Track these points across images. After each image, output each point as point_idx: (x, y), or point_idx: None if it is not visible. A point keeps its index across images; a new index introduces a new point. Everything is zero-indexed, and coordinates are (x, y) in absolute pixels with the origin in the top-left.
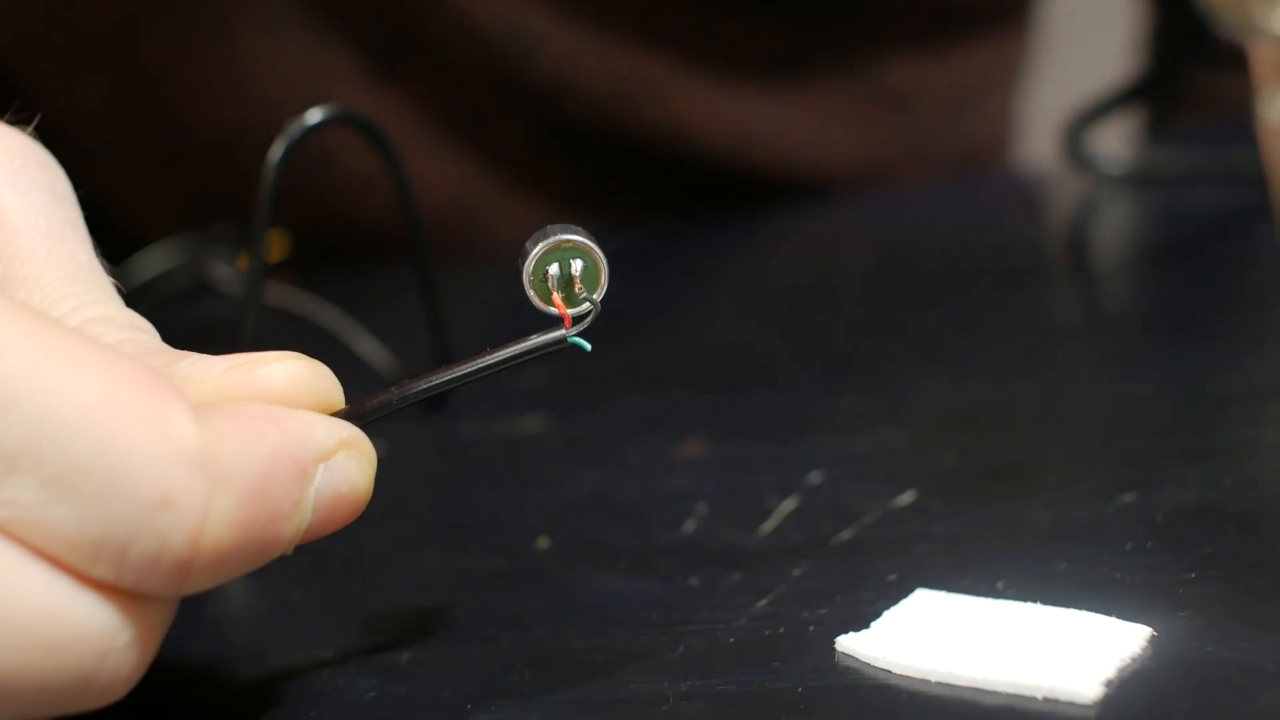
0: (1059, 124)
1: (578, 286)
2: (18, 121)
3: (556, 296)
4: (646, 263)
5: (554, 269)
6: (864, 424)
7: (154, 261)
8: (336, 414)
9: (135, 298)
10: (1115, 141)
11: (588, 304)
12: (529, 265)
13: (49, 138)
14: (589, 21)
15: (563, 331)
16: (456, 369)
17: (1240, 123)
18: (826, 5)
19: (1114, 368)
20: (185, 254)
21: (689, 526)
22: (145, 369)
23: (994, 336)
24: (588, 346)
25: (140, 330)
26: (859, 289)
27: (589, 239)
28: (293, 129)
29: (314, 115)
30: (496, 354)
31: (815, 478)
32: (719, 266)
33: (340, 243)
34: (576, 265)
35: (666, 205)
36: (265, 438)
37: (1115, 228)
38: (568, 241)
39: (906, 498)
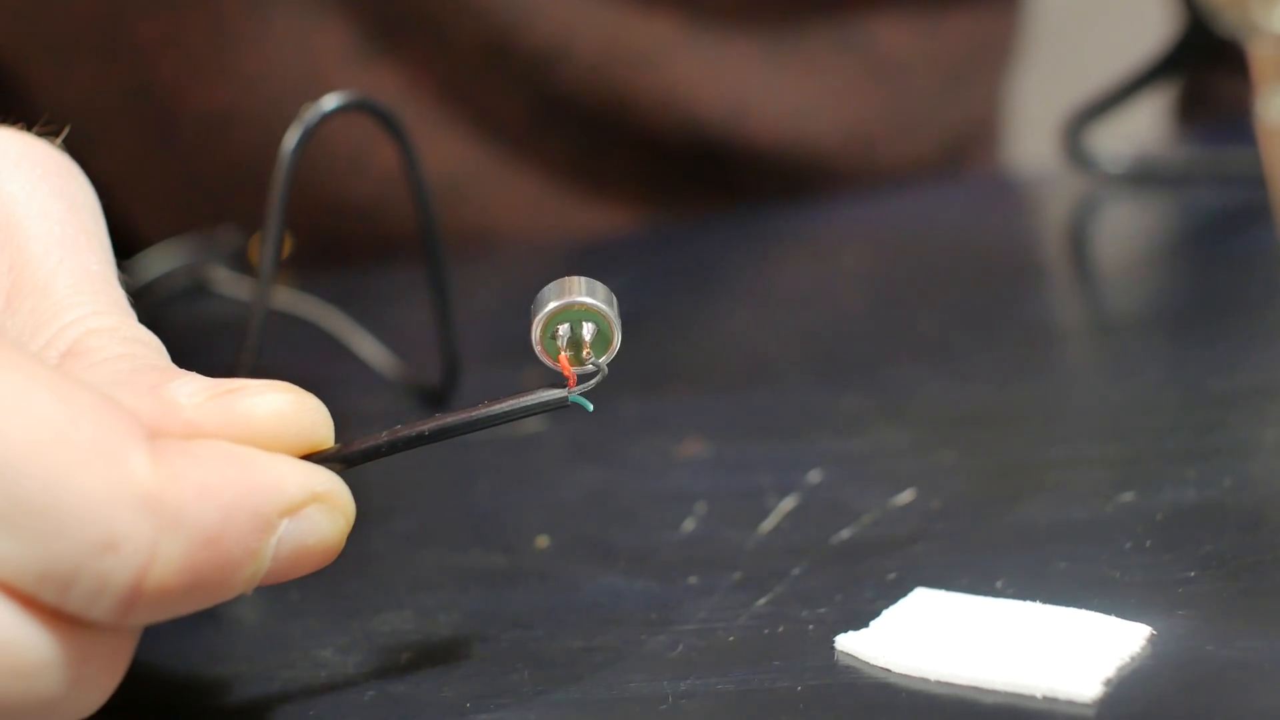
0: (1058, 122)
1: (586, 350)
2: (18, 121)
3: (564, 355)
4: (646, 262)
5: (564, 329)
6: (864, 424)
7: (155, 263)
8: (320, 454)
9: (136, 299)
10: (1116, 140)
11: (593, 366)
12: (538, 321)
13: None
14: None
15: (564, 391)
16: (451, 417)
17: (1240, 123)
18: None
19: (1114, 368)
20: (186, 255)
21: (689, 526)
22: (108, 404)
23: (994, 336)
24: (589, 406)
25: (143, 345)
26: (859, 289)
27: (606, 305)
28: (308, 116)
29: (330, 101)
30: (495, 406)
31: (815, 477)
32: (719, 266)
33: (330, 226)
34: (588, 329)
35: (661, 176)
36: (226, 485)
37: (1115, 228)
38: (582, 304)
39: (906, 497)
